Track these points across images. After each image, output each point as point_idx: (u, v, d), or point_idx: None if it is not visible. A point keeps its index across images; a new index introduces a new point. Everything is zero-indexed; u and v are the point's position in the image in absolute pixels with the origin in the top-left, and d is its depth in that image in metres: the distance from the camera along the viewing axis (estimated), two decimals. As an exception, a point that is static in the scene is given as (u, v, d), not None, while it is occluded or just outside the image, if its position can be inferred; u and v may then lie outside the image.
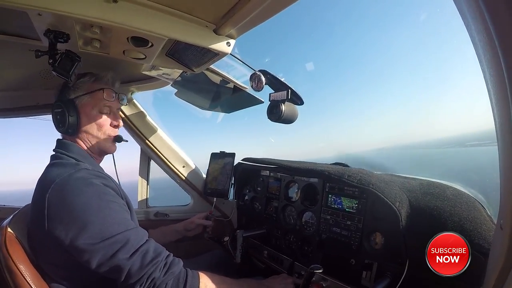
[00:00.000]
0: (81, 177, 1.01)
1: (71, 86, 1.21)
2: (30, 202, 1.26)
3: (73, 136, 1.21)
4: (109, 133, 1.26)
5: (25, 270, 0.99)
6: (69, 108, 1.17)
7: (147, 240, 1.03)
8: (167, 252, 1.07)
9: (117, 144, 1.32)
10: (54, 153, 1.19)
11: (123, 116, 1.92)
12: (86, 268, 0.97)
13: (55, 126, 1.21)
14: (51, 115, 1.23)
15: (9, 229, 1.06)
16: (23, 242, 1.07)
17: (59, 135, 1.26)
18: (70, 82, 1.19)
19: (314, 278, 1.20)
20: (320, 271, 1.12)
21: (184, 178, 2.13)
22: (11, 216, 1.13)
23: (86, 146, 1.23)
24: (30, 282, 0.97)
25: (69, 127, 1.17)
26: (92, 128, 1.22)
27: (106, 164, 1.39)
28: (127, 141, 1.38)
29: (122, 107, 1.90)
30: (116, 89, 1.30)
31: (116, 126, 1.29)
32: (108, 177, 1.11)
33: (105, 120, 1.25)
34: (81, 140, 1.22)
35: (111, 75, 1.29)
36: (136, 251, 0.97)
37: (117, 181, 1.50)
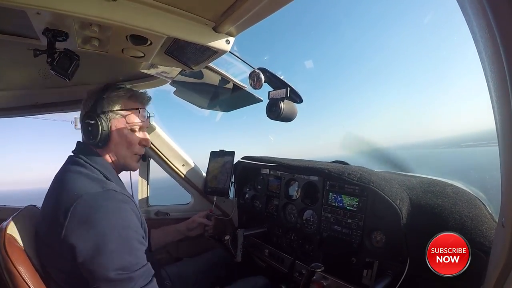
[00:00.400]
0: (110, 200, 1.00)
1: (106, 98, 1.19)
2: (30, 203, 1.26)
3: (99, 148, 1.19)
4: (137, 151, 1.26)
5: (24, 272, 0.98)
6: (103, 121, 1.15)
7: (150, 280, 1.02)
8: None
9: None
10: (74, 155, 1.16)
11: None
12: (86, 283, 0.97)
13: (85, 136, 1.18)
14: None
15: (8, 231, 1.05)
16: (22, 244, 1.06)
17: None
18: (105, 93, 1.19)
19: (315, 277, 1.20)
20: (321, 269, 1.12)
21: (184, 177, 2.13)
22: (11, 218, 1.13)
23: (111, 160, 1.22)
24: (29, 284, 0.97)
25: (100, 141, 1.15)
26: (121, 144, 1.21)
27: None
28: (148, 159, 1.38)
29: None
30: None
31: (145, 146, 1.29)
32: (132, 200, 1.09)
33: (135, 138, 1.24)
34: (108, 153, 1.20)
35: (148, 95, 1.29)
36: None
37: (131, 190, 1.50)
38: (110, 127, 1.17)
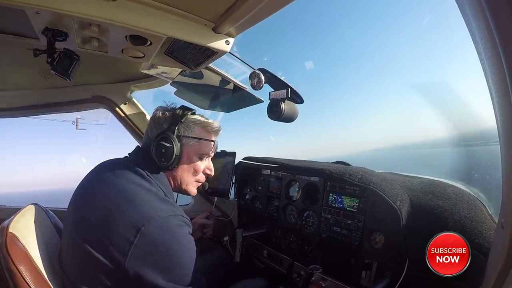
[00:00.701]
0: (180, 226, 1.01)
1: (183, 122, 1.17)
2: (30, 203, 1.25)
3: (166, 169, 1.17)
4: (199, 179, 1.26)
5: (25, 271, 0.97)
6: (178, 145, 1.14)
7: None
8: None
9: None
10: (134, 164, 1.12)
11: (123, 115, 1.92)
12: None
13: (157, 157, 1.13)
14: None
15: (9, 230, 1.05)
16: (24, 243, 1.06)
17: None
18: (182, 116, 1.16)
19: (313, 278, 1.19)
20: (319, 271, 1.11)
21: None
22: (12, 217, 1.12)
23: (173, 183, 1.21)
24: (30, 283, 0.96)
25: (171, 164, 1.13)
26: (188, 171, 1.21)
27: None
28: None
29: (122, 106, 1.90)
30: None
31: (208, 175, 1.29)
32: (189, 221, 1.10)
33: (201, 167, 1.24)
34: (171, 176, 1.19)
35: (220, 126, 1.27)
36: None
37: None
38: (183, 153, 1.16)
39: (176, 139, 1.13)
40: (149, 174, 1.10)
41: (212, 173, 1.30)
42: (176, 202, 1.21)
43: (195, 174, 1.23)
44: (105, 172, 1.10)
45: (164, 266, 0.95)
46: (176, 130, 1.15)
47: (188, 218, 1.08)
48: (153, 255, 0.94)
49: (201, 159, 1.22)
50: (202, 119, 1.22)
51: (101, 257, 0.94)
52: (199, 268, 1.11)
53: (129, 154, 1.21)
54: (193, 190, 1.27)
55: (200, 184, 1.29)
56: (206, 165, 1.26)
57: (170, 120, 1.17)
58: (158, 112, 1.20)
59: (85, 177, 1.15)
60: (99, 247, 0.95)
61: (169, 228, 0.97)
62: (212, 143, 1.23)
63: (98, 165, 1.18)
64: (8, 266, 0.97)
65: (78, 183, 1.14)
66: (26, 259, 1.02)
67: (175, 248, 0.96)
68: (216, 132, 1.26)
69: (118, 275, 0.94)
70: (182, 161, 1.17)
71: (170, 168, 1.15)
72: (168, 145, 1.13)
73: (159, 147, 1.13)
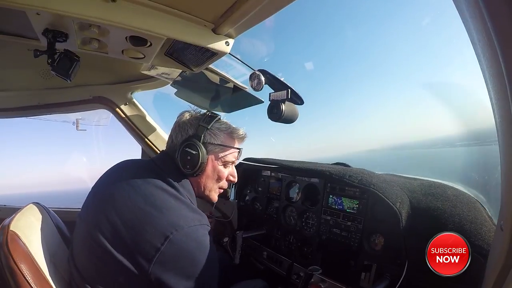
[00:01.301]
0: (205, 236, 1.01)
1: (209, 128, 1.15)
2: (30, 202, 1.25)
3: (190, 176, 1.16)
4: (222, 185, 1.26)
5: (26, 270, 0.98)
6: (204, 152, 1.13)
7: None
8: None
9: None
10: (160, 170, 1.13)
11: (123, 116, 1.92)
12: None
13: (182, 164, 1.13)
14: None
15: (11, 228, 1.05)
16: (25, 242, 1.06)
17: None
18: (208, 123, 1.15)
19: (312, 280, 1.19)
20: (319, 272, 1.11)
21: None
22: (13, 215, 1.13)
23: (197, 189, 1.20)
24: (31, 282, 0.96)
25: (196, 171, 1.13)
26: (212, 178, 1.20)
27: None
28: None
29: (122, 107, 1.90)
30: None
31: (231, 182, 1.28)
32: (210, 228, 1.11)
33: (224, 173, 1.22)
34: (196, 182, 1.19)
35: (245, 133, 1.26)
36: None
37: None
38: (207, 159, 1.15)
39: (202, 146, 1.12)
40: (175, 181, 1.10)
41: (236, 180, 1.29)
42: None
43: (218, 181, 1.22)
44: (130, 175, 1.09)
45: (188, 274, 0.95)
46: (202, 137, 1.14)
47: (208, 225, 1.07)
48: (178, 263, 0.94)
49: (225, 166, 1.22)
50: (228, 125, 1.21)
51: (125, 261, 0.94)
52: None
53: (152, 158, 1.21)
54: (215, 196, 1.26)
55: (222, 190, 1.29)
56: (230, 171, 1.25)
57: (196, 127, 1.16)
58: (184, 116, 1.20)
59: (104, 176, 1.15)
60: (124, 252, 0.95)
61: (196, 237, 0.98)
62: (238, 150, 1.23)
63: (118, 165, 1.19)
64: (9, 264, 0.97)
65: (96, 182, 1.14)
66: (27, 258, 1.02)
67: (201, 257, 0.97)
68: (241, 139, 1.25)
69: (139, 280, 0.94)
70: (206, 168, 1.17)
71: (194, 175, 1.15)
72: (194, 152, 1.12)
73: (184, 154, 1.12)
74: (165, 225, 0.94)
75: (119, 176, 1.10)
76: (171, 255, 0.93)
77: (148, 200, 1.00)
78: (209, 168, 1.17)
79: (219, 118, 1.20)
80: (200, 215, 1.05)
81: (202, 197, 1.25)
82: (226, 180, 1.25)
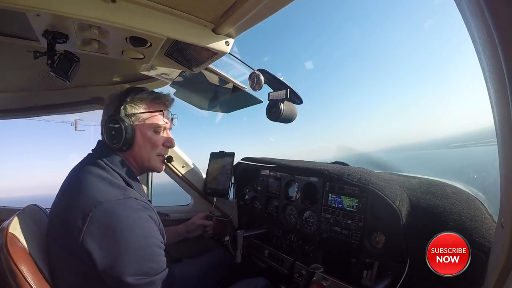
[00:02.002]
0: (130, 208, 0.99)
1: (129, 101, 1.17)
2: (30, 203, 1.25)
3: (123, 151, 1.17)
4: (161, 152, 1.25)
5: (26, 271, 0.98)
6: (126, 124, 1.14)
7: (171, 284, 1.05)
8: None
9: None
10: (94, 155, 1.16)
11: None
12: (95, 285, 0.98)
13: (108, 141, 1.15)
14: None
15: (10, 230, 1.05)
16: (24, 243, 1.06)
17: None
18: (128, 96, 1.17)
19: (314, 278, 1.20)
20: (321, 270, 1.11)
21: (184, 178, 2.13)
22: (12, 217, 1.13)
23: (135, 162, 1.21)
24: (31, 283, 0.97)
25: (124, 144, 1.14)
26: (146, 147, 1.20)
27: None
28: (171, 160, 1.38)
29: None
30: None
31: (169, 147, 1.28)
32: (151, 207, 1.09)
33: (159, 140, 1.23)
34: (131, 156, 1.19)
35: (171, 96, 1.28)
36: None
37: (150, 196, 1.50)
38: (134, 130, 1.16)
39: (123, 118, 1.14)
40: (106, 161, 1.11)
41: (173, 145, 1.29)
42: (147, 198, 1.20)
43: (154, 149, 1.22)
44: (71, 173, 1.13)
45: (111, 249, 0.94)
46: (122, 110, 1.15)
47: (146, 201, 1.07)
48: (101, 239, 0.94)
49: (157, 132, 1.22)
50: (151, 93, 1.22)
51: (67, 254, 0.97)
52: (197, 268, 1.12)
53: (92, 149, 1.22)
54: (157, 165, 1.26)
55: (163, 157, 1.28)
56: (165, 138, 1.25)
57: (117, 103, 1.18)
58: (107, 99, 1.23)
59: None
60: (64, 246, 0.99)
61: (117, 211, 0.96)
62: (163, 113, 1.22)
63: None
64: (9, 266, 0.97)
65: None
66: (27, 259, 1.02)
67: (123, 231, 0.95)
68: (166, 102, 1.25)
69: (78, 259, 0.96)
70: (136, 139, 1.17)
71: (125, 148, 1.15)
72: (116, 126, 1.13)
73: (109, 131, 1.15)
74: (86, 205, 0.96)
75: (66, 179, 1.14)
76: (93, 232, 0.93)
77: (75, 186, 1.05)
78: (138, 138, 1.18)
79: (142, 90, 1.22)
80: (125, 189, 1.05)
81: (147, 170, 1.26)
82: (164, 146, 1.25)
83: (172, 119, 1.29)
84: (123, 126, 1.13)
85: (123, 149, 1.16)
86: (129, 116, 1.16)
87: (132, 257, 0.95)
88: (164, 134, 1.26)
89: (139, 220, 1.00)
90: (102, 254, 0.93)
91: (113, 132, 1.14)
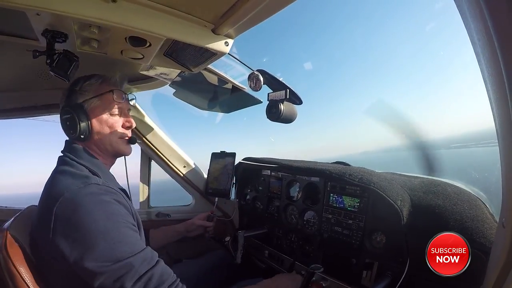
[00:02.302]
0: (91, 194, 0.97)
1: (78, 90, 1.16)
2: (30, 204, 1.25)
3: (84, 141, 1.17)
4: (122, 134, 1.23)
5: (25, 273, 0.98)
6: (79, 113, 1.13)
7: (155, 264, 1.00)
8: (174, 277, 1.04)
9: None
10: (62, 155, 1.15)
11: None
12: (86, 284, 0.95)
13: (66, 132, 1.16)
14: (58, 118, 1.19)
15: (10, 232, 1.05)
16: (23, 245, 1.06)
17: (59, 137, 1.23)
18: (77, 86, 1.17)
19: (314, 278, 1.20)
20: (321, 270, 1.11)
21: (185, 178, 2.13)
22: (12, 219, 1.13)
23: (100, 150, 1.20)
24: (30, 285, 0.97)
25: (80, 133, 1.13)
26: (104, 131, 1.18)
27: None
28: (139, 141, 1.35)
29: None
30: (124, 90, 1.27)
31: (129, 127, 1.26)
32: (118, 191, 1.07)
33: (116, 121, 1.21)
34: (93, 144, 1.19)
35: (119, 75, 1.26)
36: (140, 278, 0.94)
37: (127, 184, 1.49)
38: (89, 117, 1.15)
39: (74, 107, 1.14)
40: (70, 156, 1.12)
41: (132, 124, 1.27)
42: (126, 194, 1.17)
43: (112, 132, 1.20)
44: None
45: (78, 242, 0.92)
46: (73, 99, 1.15)
47: (113, 187, 1.06)
48: (68, 235, 0.92)
49: (113, 114, 1.21)
50: (99, 77, 1.21)
51: (48, 249, 0.96)
52: (197, 268, 1.11)
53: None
54: (121, 147, 1.24)
55: (126, 140, 1.26)
56: (124, 119, 1.24)
57: (66, 94, 1.18)
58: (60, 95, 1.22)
59: None
60: (41, 238, 0.99)
61: (77, 199, 0.95)
62: (113, 93, 1.20)
63: None
64: (8, 268, 0.97)
65: None
66: (26, 261, 1.02)
67: (83, 219, 0.92)
68: (115, 82, 1.24)
69: (54, 258, 0.95)
70: (93, 125, 1.16)
71: (82, 137, 1.15)
72: (68, 116, 1.13)
73: (64, 122, 1.15)
74: (50, 201, 0.96)
75: None
76: (59, 226, 0.93)
77: (45, 187, 1.06)
78: (95, 124, 1.17)
79: (89, 76, 1.20)
80: (86, 178, 1.03)
81: (113, 154, 1.25)
82: (123, 128, 1.24)
83: (129, 100, 1.28)
84: (75, 115, 1.12)
85: (82, 138, 1.15)
86: (80, 104, 1.15)
87: (99, 242, 0.91)
88: (121, 115, 1.24)
89: (100, 204, 0.97)
90: (70, 247, 0.91)
91: (67, 123, 1.14)
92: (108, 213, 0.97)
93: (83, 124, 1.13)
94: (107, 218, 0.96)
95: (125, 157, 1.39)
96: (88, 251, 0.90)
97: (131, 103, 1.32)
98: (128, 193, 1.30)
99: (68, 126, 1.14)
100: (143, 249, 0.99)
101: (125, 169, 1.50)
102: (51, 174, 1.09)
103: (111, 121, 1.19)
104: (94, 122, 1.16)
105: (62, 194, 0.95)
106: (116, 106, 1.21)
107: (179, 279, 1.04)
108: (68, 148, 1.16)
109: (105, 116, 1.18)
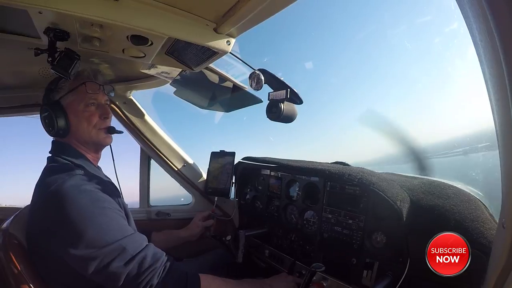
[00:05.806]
0: (74, 185, 0.99)
1: (55, 88, 1.19)
2: (29, 204, 1.26)
3: (66, 137, 1.19)
4: (100, 125, 1.24)
5: (25, 271, 0.98)
6: (55, 110, 1.15)
7: (145, 246, 1.02)
8: (166, 257, 1.06)
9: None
10: (50, 155, 1.19)
11: (122, 115, 1.92)
12: (84, 275, 0.96)
13: (46, 130, 1.19)
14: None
15: (9, 230, 1.06)
16: (23, 243, 1.06)
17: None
18: (53, 84, 1.20)
19: (315, 278, 1.20)
20: (322, 269, 1.12)
21: (185, 177, 2.13)
22: (12, 217, 1.13)
23: (81, 144, 1.22)
24: (30, 283, 0.97)
25: (59, 129, 1.15)
26: (82, 124, 1.20)
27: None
28: (121, 132, 1.35)
29: (121, 106, 1.90)
30: (99, 82, 1.27)
31: (106, 118, 1.26)
32: (104, 181, 1.09)
33: (93, 113, 1.22)
34: (75, 139, 1.21)
35: (91, 68, 1.27)
36: (133, 258, 0.96)
37: (115, 177, 1.49)
38: (65, 112, 1.17)
39: (51, 104, 1.17)
40: (56, 153, 1.16)
41: (108, 113, 1.27)
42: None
43: (90, 124, 1.21)
44: None
45: (67, 231, 0.94)
46: (49, 98, 1.19)
47: (95, 175, 1.11)
48: (54, 223, 0.95)
49: (88, 106, 1.21)
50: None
51: (42, 246, 1.00)
52: (198, 267, 1.11)
53: None
54: (101, 137, 1.25)
55: (104, 129, 1.26)
56: (99, 110, 1.25)
57: (44, 94, 1.22)
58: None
59: None
60: (30, 242, 1.04)
61: (61, 192, 0.97)
62: (85, 85, 1.20)
63: None
64: (8, 266, 0.97)
65: None
66: (26, 259, 1.02)
67: (68, 208, 0.94)
68: (87, 75, 1.25)
69: (50, 254, 0.98)
70: (70, 120, 1.18)
71: (61, 133, 1.17)
72: (46, 113, 1.17)
73: (43, 121, 1.19)
74: (39, 200, 1.00)
75: None
76: (48, 221, 0.96)
77: (37, 186, 1.08)
78: (72, 119, 1.18)
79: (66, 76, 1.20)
80: (70, 170, 1.07)
81: (95, 146, 1.27)
82: (100, 118, 1.24)
83: (104, 91, 1.29)
84: (52, 112, 1.14)
85: (61, 134, 1.17)
86: (56, 101, 1.18)
87: (86, 229, 0.93)
88: (98, 107, 1.25)
89: (84, 193, 0.99)
90: (61, 239, 0.93)
91: (46, 121, 1.17)
92: (94, 200, 0.99)
93: (60, 120, 1.15)
94: (93, 204, 0.98)
95: (111, 149, 1.42)
96: (78, 239, 0.92)
97: (109, 95, 1.34)
98: (118, 187, 1.35)
99: (47, 124, 1.17)
100: (132, 233, 1.02)
101: (112, 159, 1.51)
102: (41, 174, 1.12)
103: (87, 114, 1.21)
104: (72, 117, 1.18)
105: (48, 189, 0.98)
106: (91, 98, 1.22)
107: (171, 258, 1.07)
108: (53, 146, 1.20)
109: (81, 109, 1.20)
